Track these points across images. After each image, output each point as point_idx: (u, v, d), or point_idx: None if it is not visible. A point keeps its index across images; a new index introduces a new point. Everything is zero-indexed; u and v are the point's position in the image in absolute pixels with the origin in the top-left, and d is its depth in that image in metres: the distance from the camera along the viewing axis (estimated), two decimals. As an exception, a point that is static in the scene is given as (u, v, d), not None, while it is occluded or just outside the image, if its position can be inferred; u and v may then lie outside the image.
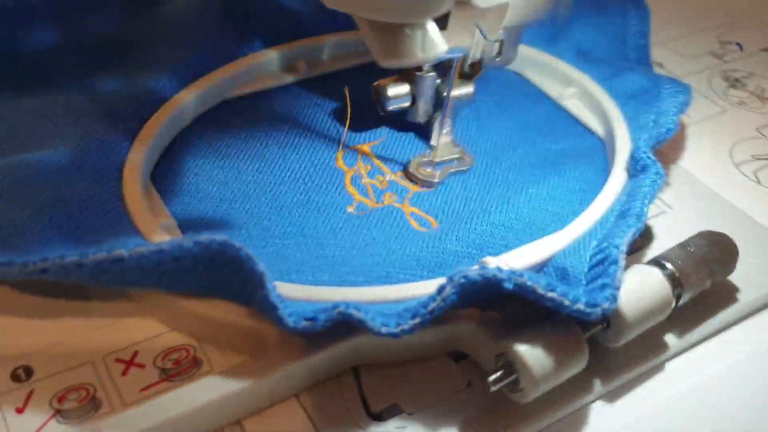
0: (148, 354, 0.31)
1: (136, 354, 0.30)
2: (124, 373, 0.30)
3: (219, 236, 0.28)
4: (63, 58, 0.41)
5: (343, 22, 0.45)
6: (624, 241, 0.31)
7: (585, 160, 0.39)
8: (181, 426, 0.27)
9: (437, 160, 0.39)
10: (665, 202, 0.39)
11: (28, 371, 0.30)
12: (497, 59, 0.39)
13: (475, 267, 0.28)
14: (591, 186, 0.37)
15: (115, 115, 0.37)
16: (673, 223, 0.38)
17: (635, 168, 0.36)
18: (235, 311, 0.29)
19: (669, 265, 0.32)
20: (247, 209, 0.35)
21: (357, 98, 0.41)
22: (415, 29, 0.29)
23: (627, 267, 0.31)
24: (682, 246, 0.33)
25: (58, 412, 0.28)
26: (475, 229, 0.34)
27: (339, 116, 0.41)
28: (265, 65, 0.43)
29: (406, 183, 0.38)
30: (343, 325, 0.28)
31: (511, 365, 0.28)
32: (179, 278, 0.29)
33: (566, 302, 0.28)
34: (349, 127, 0.40)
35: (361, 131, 0.41)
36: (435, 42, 0.30)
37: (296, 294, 0.29)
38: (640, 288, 0.31)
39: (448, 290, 0.28)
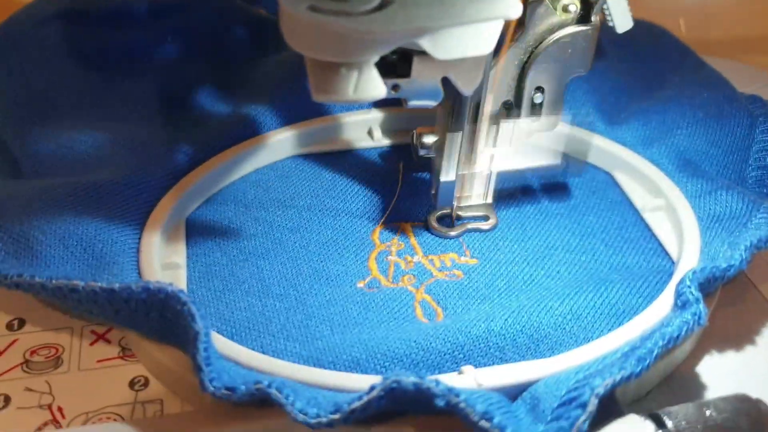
0: (120, 334, 0.33)
1: (109, 331, 0.34)
2: (92, 344, 0.33)
3: (170, 287, 0.28)
4: (182, 75, 0.44)
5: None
6: (604, 384, 0.27)
7: (641, 283, 0.34)
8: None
9: (462, 214, 0.38)
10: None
11: (22, 323, 0.34)
12: (534, 124, 0.37)
13: (412, 377, 0.26)
14: (631, 313, 0.33)
15: (177, 151, 0.39)
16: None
17: (676, 303, 0.31)
18: (184, 362, 0.29)
19: (669, 424, 0.27)
20: (259, 265, 0.35)
21: (418, 176, 0.40)
22: (351, 70, 0.28)
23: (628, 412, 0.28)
24: (700, 405, 0.28)
25: (25, 362, 0.32)
26: (471, 332, 0.31)
27: (395, 190, 0.40)
28: (338, 128, 0.43)
29: (432, 268, 0.36)
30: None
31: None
32: (133, 319, 0.30)
33: (500, 436, 0.25)
34: (396, 203, 0.39)
35: (412, 208, 0.40)
36: (369, 85, 0.29)
37: (240, 357, 0.29)
38: (618, 442, 0.27)
39: (376, 392, 0.26)
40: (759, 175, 0.40)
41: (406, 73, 0.32)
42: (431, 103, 0.33)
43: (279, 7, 0.29)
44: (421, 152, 0.39)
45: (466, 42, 0.30)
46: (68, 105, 0.42)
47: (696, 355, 0.33)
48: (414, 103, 0.33)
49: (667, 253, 0.37)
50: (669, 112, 0.42)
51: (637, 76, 0.47)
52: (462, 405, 0.25)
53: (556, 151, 0.39)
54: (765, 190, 0.39)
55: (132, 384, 0.31)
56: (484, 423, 0.25)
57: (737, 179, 0.40)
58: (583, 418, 0.26)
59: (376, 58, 0.29)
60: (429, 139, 0.39)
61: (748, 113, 0.42)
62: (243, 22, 0.47)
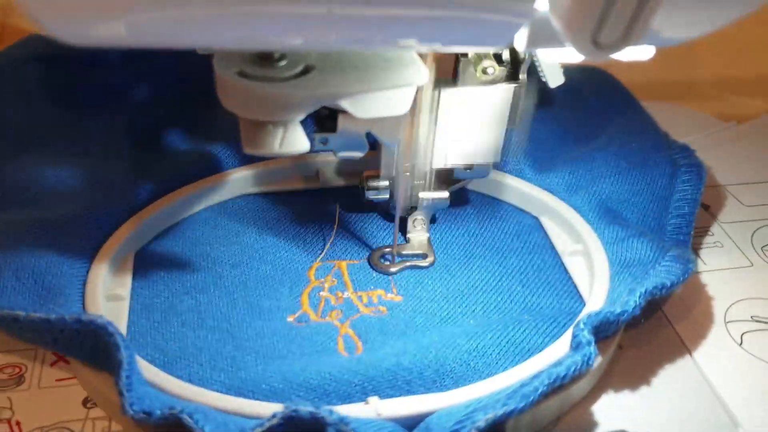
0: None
1: None
2: (53, 364, 0.36)
3: (100, 319, 0.31)
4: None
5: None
6: (485, 418, 0.29)
7: (549, 323, 0.37)
8: None
9: (403, 252, 0.42)
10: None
11: None
12: (467, 170, 0.41)
13: (309, 407, 0.29)
14: (534, 352, 0.36)
15: (134, 188, 0.43)
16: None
17: (571, 344, 0.34)
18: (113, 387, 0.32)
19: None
20: (198, 299, 0.38)
21: (359, 216, 0.43)
22: (278, 127, 0.32)
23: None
24: (581, 439, 0.31)
25: None
26: (381, 366, 0.34)
27: (336, 229, 0.43)
28: (287, 170, 0.46)
29: (359, 304, 0.39)
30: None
31: None
32: (70, 348, 0.33)
33: (380, 464, 0.28)
34: (333, 243, 0.42)
35: (349, 247, 0.43)
36: (294, 141, 0.33)
37: (163, 385, 0.32)
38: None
39: (276, 420, 0.29)
40: (677, 222, 0.42)
41: (333, 129, 0.35)
42: (358, 154, 0.37)
43: (214, 71, 0.32)
44: (369, 194, 0.42)
45: (382, 104, 0.33)
46: (40, 141, 0.45)
47: (596, 393, 0.36)
48: (342, 154, 0.36)
49: (580, 296, 0.39)
50: (596, 161, 0.45)
51: (578, 123, 0.50)
52: (350, 433, 0.28)
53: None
54: (682, 238, 0.41)
55: (85, 402, 0.34)
56: None
57: (656, 227, 0.42)
58: (461, 450, 0.28)
59: (300, 118, 0.33)
60: (375, 183, 0.42)
61: (672, 163, 0.44)
62: (206, 71, 0.50)
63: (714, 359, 0.38)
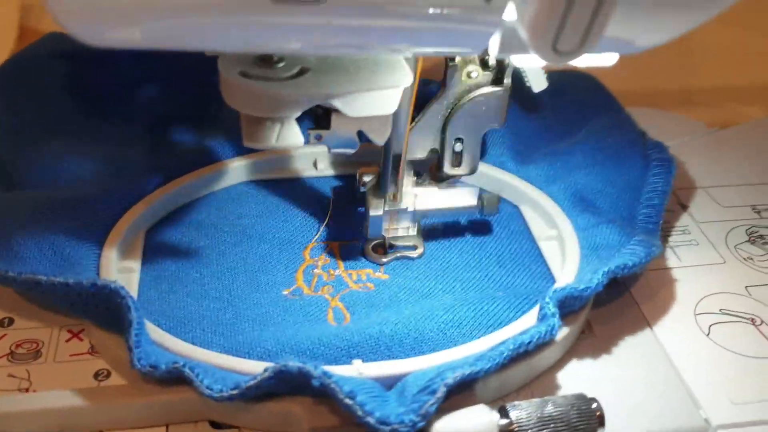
0: (90, 334, 0.39)
1: (82, 331, 0.40)
2: (67, 341, 0.39)
3: (113, 284, 0.35)
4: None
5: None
6: (453, 376, 0.33)
7: (521, 299, 0.40)
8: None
9: (393, 242, 0.44)
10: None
11: (11, 321, 0.40)
12: (457, 169, 0.43)
13: (297, 363, 0.32)
14: (505, 324, 0.39)
15: (146, 173, 0.46)
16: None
17: (538, 316, 0.37)
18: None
19: (513, 415, 0.33)
20: (202, 273, 0.42)
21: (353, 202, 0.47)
22: (275, 123, 0.35)
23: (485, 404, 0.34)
24: (544, 401, 0.34)
25: (10, 353, 0.38)
26: (365, 333, 0.37)
27: (330, 214, 0.47)
28: (287, 159, 0.50)
29: (349, 281, 0.43)
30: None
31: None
32: (86, 310, 0.36)
33: (359, 412, 0.31)
34: (327, 225, 0.46)
35: (342, 229, 0.46)
36: (289, 136, 0.36)
37: (169, 345, 0.36)
38: (464, 426, 0.33)
39: (267, 374, 0.32)
40: (648, 212, 0.45)
41: (327, 126, 0.39)
42: (349, 151, 0.40)
43: (218, 72, 0.36)
44: (362, 189, 0.45)
45: (371, 104, 0.37)
46: (59, 131, 0.49)
47: (561, 364, 0.39)
48: (335, 150, 0.40)
49: (552, 276, 0.43)
50: (573, 154, 0.49)
51: (558, 121, 0.53)
52: (333, 385, 0.31)
53: (472, 193, 0.45)
54: (651, 226, 0.45)
55: (96, 375, 0.37)
56: (347, 400, 0.31)
57: (628, 215, 0.45)
58: (430, 402, 0.32)
59: (295, 115, 0.36)
60: (368, 179, 0.45)
61: (644, 157, 0.48)
62: (209, 71, 0.53)
63: (683, 349, 0.40)
